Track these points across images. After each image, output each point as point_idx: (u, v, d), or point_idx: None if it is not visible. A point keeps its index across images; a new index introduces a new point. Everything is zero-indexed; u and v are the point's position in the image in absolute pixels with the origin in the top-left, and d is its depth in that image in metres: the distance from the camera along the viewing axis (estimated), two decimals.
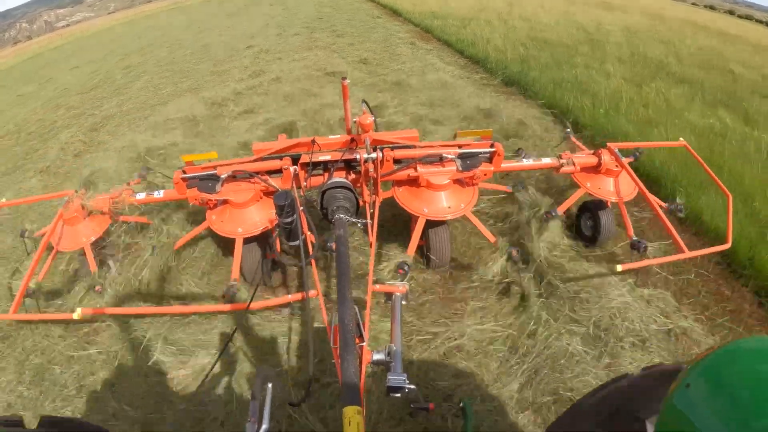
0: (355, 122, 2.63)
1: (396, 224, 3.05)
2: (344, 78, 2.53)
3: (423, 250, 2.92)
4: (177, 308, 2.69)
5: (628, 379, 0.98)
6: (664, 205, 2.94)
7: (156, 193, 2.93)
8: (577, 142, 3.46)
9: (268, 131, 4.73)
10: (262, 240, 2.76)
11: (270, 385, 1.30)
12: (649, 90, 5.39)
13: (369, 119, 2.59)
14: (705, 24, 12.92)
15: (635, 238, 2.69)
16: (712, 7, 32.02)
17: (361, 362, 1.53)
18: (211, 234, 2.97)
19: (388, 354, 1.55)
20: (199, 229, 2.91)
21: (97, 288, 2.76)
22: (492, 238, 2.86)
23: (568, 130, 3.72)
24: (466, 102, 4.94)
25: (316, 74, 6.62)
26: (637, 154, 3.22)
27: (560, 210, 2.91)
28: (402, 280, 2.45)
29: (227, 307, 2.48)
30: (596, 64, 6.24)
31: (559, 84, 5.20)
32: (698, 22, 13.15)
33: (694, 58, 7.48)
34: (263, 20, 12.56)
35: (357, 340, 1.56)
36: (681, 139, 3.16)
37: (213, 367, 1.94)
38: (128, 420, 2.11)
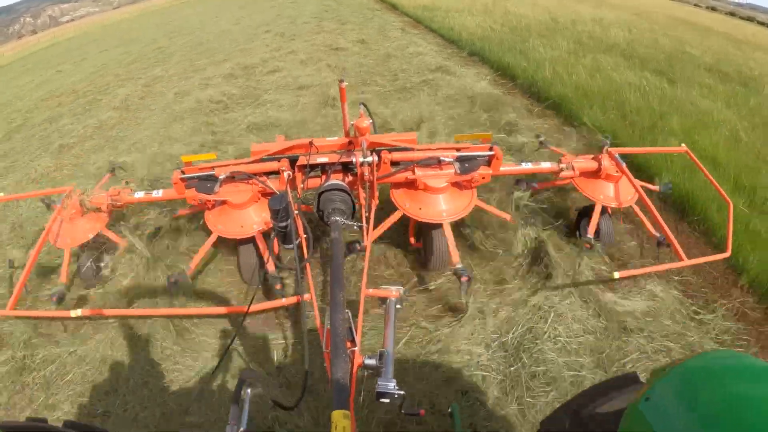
0: (352, 125, 2.66)
1: (397, 228, 3.04)
2: (341, 80, 2.59)
3: (419, 253, 3.02)
4: (176, 310, 2.72)
5: (632, 382, 1.00)
6: (656, 188, 3.15)
7: (155, 192, 3.04)
8: (557, 150, 3.53)
9: (292, 80, 6.59)
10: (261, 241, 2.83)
11: (249, 390, 1.39)
12: (585, 59, 7.19)
13: (366, 122, 2.62)
14: (687, 19, 14.46)
15: (659, 235, 2.80)
16: (713, 9, 32.38)
17: (352, 367, 1.59)
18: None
19: (380, 359, 1.58)
20: (207, 245, 2.87)
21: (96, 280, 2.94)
22: (508, 217, 2.96)
23: (542, 139, 3.80)
24: (430, 62, 6.87)
25: (323, 49, 8.44)
26: (667, 188, 3.26)
27: (591, 233, 2.87)
28: (467, 287, 2.58)
29: (224, 309, 2.65)
30: (549, 42, 8.04)
31: (507, 52, 7.00)
32: (679, 16, 14.73)
33: (649, 41, 8.68)
34: (274, 12, 14.44)
35: (349, 345, 1.60)
36: (683, 145, 3.21)
37: (216, 370, 2.00)
38: (123, 422, 2.23)
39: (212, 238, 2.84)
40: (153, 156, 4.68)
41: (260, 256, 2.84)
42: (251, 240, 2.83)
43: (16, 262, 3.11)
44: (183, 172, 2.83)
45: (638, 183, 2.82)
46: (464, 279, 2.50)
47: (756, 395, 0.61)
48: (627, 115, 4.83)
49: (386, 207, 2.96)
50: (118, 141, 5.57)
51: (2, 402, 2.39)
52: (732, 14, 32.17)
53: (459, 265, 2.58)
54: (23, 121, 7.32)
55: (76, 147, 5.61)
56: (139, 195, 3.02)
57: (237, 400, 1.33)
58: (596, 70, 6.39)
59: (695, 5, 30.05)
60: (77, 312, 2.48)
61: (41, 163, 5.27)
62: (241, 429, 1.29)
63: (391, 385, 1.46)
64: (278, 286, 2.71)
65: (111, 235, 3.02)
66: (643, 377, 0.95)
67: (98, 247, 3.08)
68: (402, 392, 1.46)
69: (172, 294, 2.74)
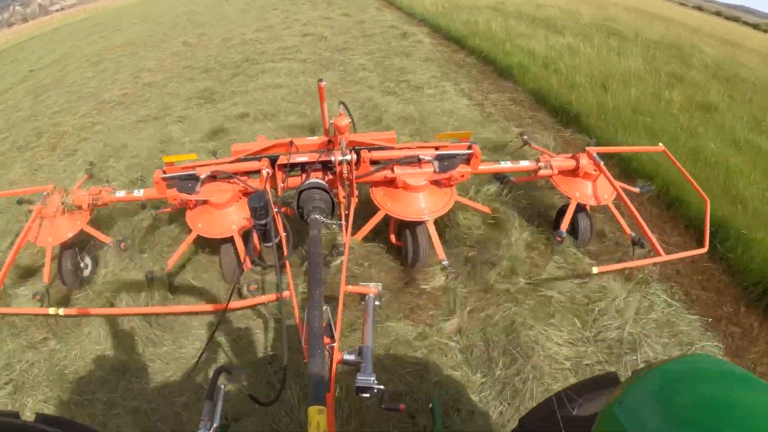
0: (332, 124, 2.79)
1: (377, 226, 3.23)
2: (321, 80, 2.75)
3: (401, 251, 3.22)
4: (159, 308, 2.93)
5: (610, 382, 1.08)
6: (636, 190, 3.34)
7: (136, 192, 3.20)
8: (539, 148, 3.75)
9: (299, 32, 10.78)
10: (242, 239, 2.97)
11: (223, 387, 1.48)
12: (495, 21, 11.25)
13: (345, 121, 2.75)
14: (658, 13, 17.32)
15: (634, 234, 3.03)
16: (700, 8, 35.60)
17: (331, 362, 1.73)
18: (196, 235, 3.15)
19: (359, 354, 1.72)
20: (187, 243, 3.13)
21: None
22: (487, 209, 3.20)
23: (526, 136, 3.98)
24: (388, 23, 11.08)
25: (318, 18, 12.54)
26: (647, 189, 3.48)
27: (563, 228, 3.10)
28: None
29: (209, 307, 2.88)
30: (494, 16, 11.96)
31: (448, 20, 11.12)
32: (641, 8, 17.55)
33: (591, 22, 11.30)
34: None
35: (328, 341, 1.74)
36: (660, 144, 3.45)
37: (196, 365, 2.13)
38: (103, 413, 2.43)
39: (192, 236, 3.05)
40: (217, 56, 8.87)
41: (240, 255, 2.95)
42: (233, 239, 2.98)
43: None
44: (164, 172, 2.98)
45: (618, 183, 3.03)
46: (450, 270, 2.74)
47: (729, 400, 0.66)
48: (493, 40, 8.76)
49: (367, 205, 3.18)
50: (194, 60, 9.52)
51: None
52: (718, 14, 34.96)
53: (445, 262, 2.86)
54: (99, 60, 11.15)
55: (165, 61, 9.68)
56: (120, 194, 3.19)
57: (211, 395, 1.42)
58: (506, 29, 9.82)
59: (681, 4, 33.18)
60: (59, 311, 2.62)
61: (147, 63, 9.35)
62: (215, 425, 1.37)
63: (371, 380, 1.60)
64: (253, 287, 2.91)
65: (93, 231, 3.20)
66: (623, 378, 1.00)
67: (79, 246, 3.25)
68: (381, 387, 1.60)
69: (149, 288, 2.97)
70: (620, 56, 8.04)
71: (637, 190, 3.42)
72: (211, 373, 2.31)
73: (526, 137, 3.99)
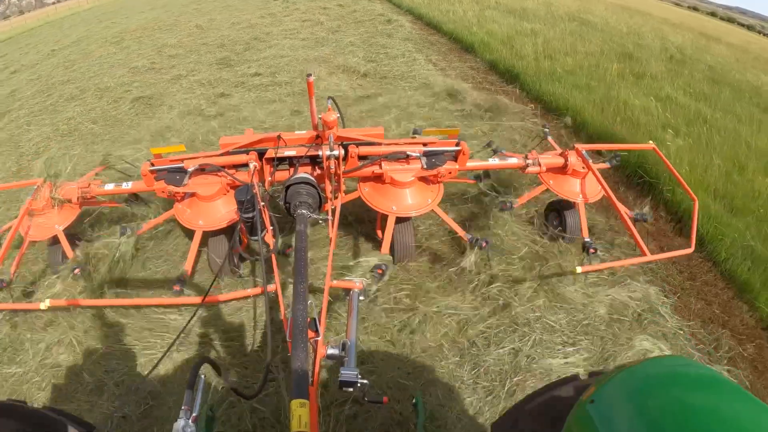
0: (320, 118, 2.85)
1: (361, 221, 3.60)
2: (309, 75, 2.77)
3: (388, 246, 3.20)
4: (146, 300, 3.03)
5: (574, 383, 1.10)
6: (630, 213, 3.38)
7: (124, 184, 3.29)
8: (553, 143, 3.89)
9: (298, 17, 12.59)
10: (229, 233, 3.07)
11: (203, 376, 1.53)
12: (489, 13, 13.04)
13: (333, 116, 2.81)
14: (645, 10, 18.73)
15: (587, 240, 3.17)
16: (695, 8, 36.46)
17: (315, 356, 1.78)
18: (183, 227, 3.39)
19: (343, 349, 1.77)
20: (163, 217, 3.31)
21: (76, 271, 3.12)
22: (462, 233, 3.23)
23: (546, 129, 4.18)
24: (376, 12, 12.84)
25: (315, 7, 14.38)
26: (615, 161, 3.58)
27: (520, 201, 3.33)
28: (379, 281, 2.88)
29: (196, 299, 2.93)
30: (471, 7, 13.65)
31: (429, 9, 12.83)
32: (631, 6, 19.01)
33: (566, 13, 12.55)
34: None
35: (313, 335, 1.78)
36: (650, 142, 3.59)
37: (163, 357, 2.09)
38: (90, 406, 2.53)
39: (172, 211, 3.22)
40: (228, 36, 10.60)
41: (229, 248, 3.05)
42: (220, 232, 3.10)
43: None
44: (152, 164, 3.07)
45: (596, 167, 3.11)
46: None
47: (700, 404, 0.69)
48: (464, 24, 10.55)
49: (356, 201, 3.32)
50: (209, 38, 11.22)
51: None
52: (713, 14, 35.75)
53: (469, 236, 3.12)
54: (119, 40, 12.82)
55: (183, 39, 11.40)
56: (109, 187, 3.27)
57: (192, 385, 1.46)
58: (479, 17, 11.73)
59: (675, 4, 34.59)
60: (46, 303, 2.67)
61: (168, 41, 11.10)
62: (194, 414, 1.41)
63: (355, 374, 1.64)
64: (233, 279, 3.04)
65: (65, 242, 3.20)
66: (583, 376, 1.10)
67: (71, 240, 3.31)
68: (365, 381, 1.65)
69: (120, 241, 3.20)
70: (579, 39, 9.59)
71: (607, 165, 3.64)
72: (190, 365, 2.47)
73: (546, 130, 4.19)
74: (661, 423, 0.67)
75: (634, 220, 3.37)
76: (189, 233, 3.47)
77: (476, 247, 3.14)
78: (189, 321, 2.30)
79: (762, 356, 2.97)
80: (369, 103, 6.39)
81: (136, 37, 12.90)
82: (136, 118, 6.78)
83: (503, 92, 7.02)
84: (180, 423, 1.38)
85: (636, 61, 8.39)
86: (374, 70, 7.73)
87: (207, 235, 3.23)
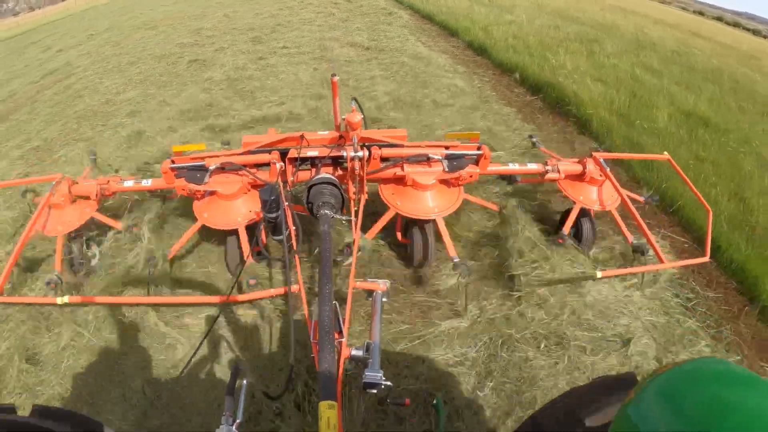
0: (343, 119, 2.93)
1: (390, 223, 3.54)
2: (334, 75, 2.85)
3: (406, 249, 3.43)
4: (165, 298, 3.05)
5: (575, 390, 1.14)
6: (641, 199, 3.51)
7: (144, 181, 3.35)
8: (547, 151, 4.05)
9: (315, 9, 15.03)
10: (248, 232, 3.11)
11: (245, 381, 1.55)
12: (477, 7, 15.28)
13: (357, 117, 2.87)
14: (633, 10, 19.24)
15: (635, 242, 3.18)
16: (701, 13, 35.90)
17: (339, 358, 1.80)
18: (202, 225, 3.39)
19: (367, 350, 1.82)
20: (187, 235, 3.29)
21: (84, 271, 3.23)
22: (495, 207, 3.43)
23: (534, 139, 4.37)
24: (380, 5, 15.31)
25: (327, 4, 16.56)
26: (653, 200, 3.68)
27: (565, 230, 3.30)
28: (343, 258, 2.96)
29: (215, 299, 2.96)
30: (462, 1, 16.18)
31: (425, 4, 14.96)
32: (627, 7, 19.36)
33: (554, 10, 14.10)
34: None
35: (337, 336, 1.82)
36: (665, 153, 3.68)
37: (192, 358, 2.18)
38: (113, 408, 2.59)
39: (197, 226, 3.23)
40: (254, 23, 13.00)
41: (246, 247, 3.06)
42: (238, 231, 3.12)
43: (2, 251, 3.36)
44: (173, 162, 3.14)
45: (624, 192, 3.21)
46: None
47: (739, 401, 0.71)
48: (453, 15, 12.90)
49: (376, 202, 3.39)
50: (238, 24, 13.49)
51: None
52: (719, 19, 35.54)
53: (456, 259, 3.02)
54: (153, 26, 14.95)
55: (216, 24, 13.80)
56: (129, 184, 3.35)
57: (231, 391, 1.49)
58: (467, 9, 13.87)
59: (682, 8, 34.05)
60: (64, 299, 2.73)
61: (203, 26, 13.54)
62: (238, 420, 1.44)
63: (378, 376, 1.68)
64: (252, 282, 2.99)
65: (103, 218, 3.34)
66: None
67: (89, 236, 3.44)
68: (389, 383, 1.68)
69: (150, 273, 3.09)
70: (553, 29, 11.14)
71: (641, 199, 3.64)
72: (213, 367, 2.57)
73: (534, 140, 4.39)
74: (702, 421, 0.69)
75: (645, 203, 3.67)
76: (206, 231, 3.60)
77: (459, 273, 3.08)
78: (213, 322, 2.45)
79: None
80: (369, 62, 8.97)
81: (169, 24, 15.03)
82: (195, 73, 9.07)
83: (473, 62, 9.44)
84: (222, 429, 1.42)
85: (598, 43, 9.86)
86: (375, 46, 10.21)
87: (225, 234, 3.32)
